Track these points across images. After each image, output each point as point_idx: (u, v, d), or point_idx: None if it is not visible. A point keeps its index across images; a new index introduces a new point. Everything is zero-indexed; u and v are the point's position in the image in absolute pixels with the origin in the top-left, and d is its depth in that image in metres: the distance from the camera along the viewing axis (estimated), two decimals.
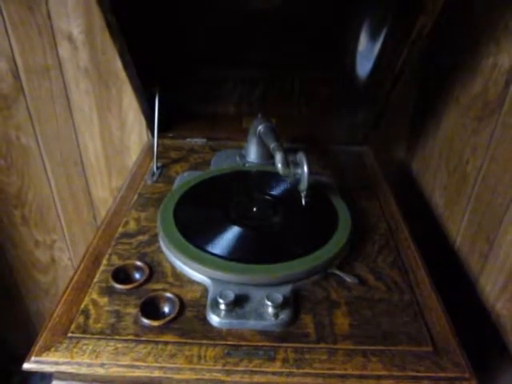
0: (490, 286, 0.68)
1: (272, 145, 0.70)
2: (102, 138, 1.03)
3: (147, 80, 0.80)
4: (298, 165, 0.66)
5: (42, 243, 1.19)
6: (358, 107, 0.91)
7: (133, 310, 0.53)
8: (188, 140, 0.92)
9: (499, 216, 0.65)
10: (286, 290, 0.54)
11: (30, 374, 1.37)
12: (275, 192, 0.71)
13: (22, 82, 0.95)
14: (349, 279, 0.57)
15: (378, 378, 0.47)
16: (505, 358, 0.63)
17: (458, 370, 0.48)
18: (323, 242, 0.60)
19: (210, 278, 0.56)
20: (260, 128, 0.75)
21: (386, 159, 1.04)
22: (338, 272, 0.58)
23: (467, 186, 0.75)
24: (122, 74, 0.94)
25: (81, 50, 0.92)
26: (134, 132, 1.02)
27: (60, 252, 1.21)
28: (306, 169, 0.64)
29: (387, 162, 1.03)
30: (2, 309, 1.28)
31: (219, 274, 0.55)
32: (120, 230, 0.66)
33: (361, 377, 0.47)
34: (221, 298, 0.51)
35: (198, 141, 0.92)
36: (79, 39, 0.91)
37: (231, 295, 0.52)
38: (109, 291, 0.56)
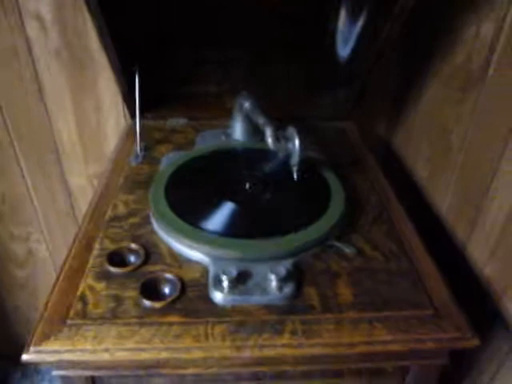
0: (478, 251, 0.70)
1: (261, 120, 0.69)
2: (77, 124, 0.99)
3: (126, 60, 0.77)
4: (288, 139, 0.65)
5: (17, 236, 1.14)
6: (341, 83, 0.91)
7: (132, 293, 0.51)
8: (169, 121, 0.90)
9: (486, 182, 0.67)
10: (288, 263, 0.54)
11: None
12: (267, 168, 0.69)
13: None
14: (348, 250, 0.57)
15: (384, 343, 0.48)
16: (496, 322, 0.65)
17: (460, 331, 0.49)
18: (320, 214, 0.60)
19: (208, 256, 0.55)
20: (246, 105, 0.74)
21: (367, 134, 1.05)
22: (337, 243, 0.58)
23: (452, 156, 0.76)
24: (96, 55, 0.90)
25: (50, 30, 0.88)
26: (110, 117, 0.99)
27: (37, 244, 1.17)
28: (297, 142, 0.64)
29: (367, 137, 1.03)
30: None
31: (218, 252, 0.54)
32: (109, 213, 0.64)
33: (368, 343, 0.47)
34: (224, 274, 0.50)
35: (180, 121, 0.90)
36: (48, 18, 0.87)
37: (234, 271, 0.51)
38: (105, 276, 0.54)
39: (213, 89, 0.90)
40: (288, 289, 0.51)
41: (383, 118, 1.03)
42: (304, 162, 0.65)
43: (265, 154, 0.71)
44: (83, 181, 1.08)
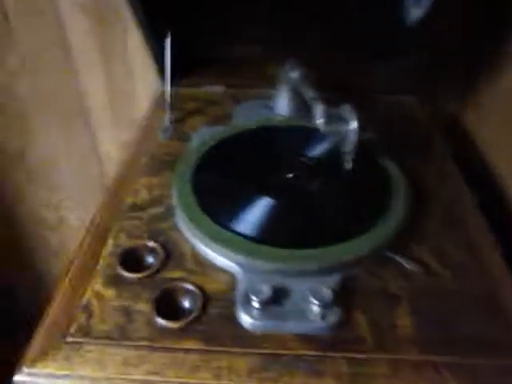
0: None
1: (310, 94, 0.57)
2: (107, 87, 0.90)
3: (156, 18, 0.66)
4: (342, 120, 0.54)
5: (48, 203, 1.10)
6: (407, 49, 0.76)
7: (145, 307, 0.43)
8: (204, 88, 0.79)
9: None
10: (335, 280, 0.44)
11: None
12: (314, 153, 0.58)
13: (10, 23, 0.81)
14: (409, 266, 0.46)
15: None
16: None
17: None
18: (378, 217, 0.48)
19: (239, 264, 0.45)
20: (293, 75, 0.62)
21: (432, 111, 0.89)
22: (396, 256, 0.47)
23: None
24: (125, 12, 0.80)
25: None
26: (143, 80, 0.89)
27: (68, 212, 1.12)
28: (354, 125, 0.52)
29: (433, 115, 0.88)
30: (10, 266, 1.21)
31: (251, 262, 0.44)
32: (128, 200, 0.55)
33: None
34: (254, 294, 0.41)
35: (217, 89, 0.79)
36: None
37: (267, 291, 0.41)
38: (115, 281, 0.46)
39: (256, 52, 0.78)
40: (333, 316, 0.41)
41: (452, 92, 0.87)
42: (360, 148, 0.53)
43: (313, 135, 0.59)
44: (114, 148, 1.00)
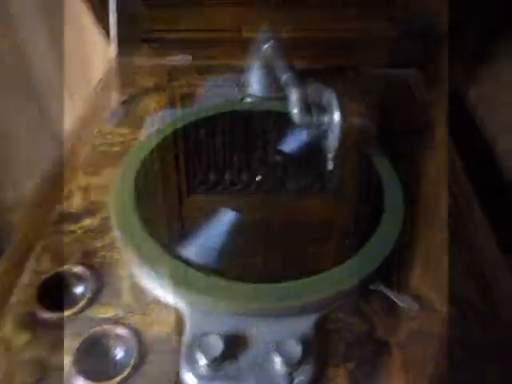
0: None
1: (284, 76, 0.46)
2: (54, 49, 0.77)
3: None
4: (324, 109, 0.43)
5: (4, 183, 0.99)
6: (408, 19, 0.64)
7: (65, 360, 0.33)
8: (168, 58, 0.67)
9: None
10: (308, 324, 0.34)
11: None
12: (290, 148, 0.48)
13: None
14: (402, 302, 0.37)
15: None
16: None
17: None
18: (364, 239, 0.39)
19: (186, 302, 0.36)
20: (267, 47, 0.50)
21: (432, 86, 0.78)
22: (386, 291, 0.37)
23: None
24: None
25: None
26: (97, 40, 0.76)
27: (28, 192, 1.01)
28: (337, 117, 0.41)
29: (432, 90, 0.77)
30: None
31: (201, 300, 0.35)
32: (59, 207, 0.45)
33: None
34: (201, 348, 0.32)
35: (182, 59, 0.67)
36: None
37: (218, 347, 0.32)
38: (30, 322, 0.36)
39: (229, 17, 0.65)
40: (302, 377, 0.32)
41: (457, 65, 0.75)
42: (345, 143, 0.43)
43: (290, 123, 0.48)
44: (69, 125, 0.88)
